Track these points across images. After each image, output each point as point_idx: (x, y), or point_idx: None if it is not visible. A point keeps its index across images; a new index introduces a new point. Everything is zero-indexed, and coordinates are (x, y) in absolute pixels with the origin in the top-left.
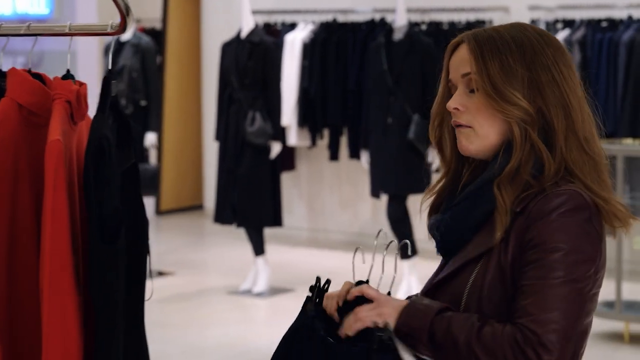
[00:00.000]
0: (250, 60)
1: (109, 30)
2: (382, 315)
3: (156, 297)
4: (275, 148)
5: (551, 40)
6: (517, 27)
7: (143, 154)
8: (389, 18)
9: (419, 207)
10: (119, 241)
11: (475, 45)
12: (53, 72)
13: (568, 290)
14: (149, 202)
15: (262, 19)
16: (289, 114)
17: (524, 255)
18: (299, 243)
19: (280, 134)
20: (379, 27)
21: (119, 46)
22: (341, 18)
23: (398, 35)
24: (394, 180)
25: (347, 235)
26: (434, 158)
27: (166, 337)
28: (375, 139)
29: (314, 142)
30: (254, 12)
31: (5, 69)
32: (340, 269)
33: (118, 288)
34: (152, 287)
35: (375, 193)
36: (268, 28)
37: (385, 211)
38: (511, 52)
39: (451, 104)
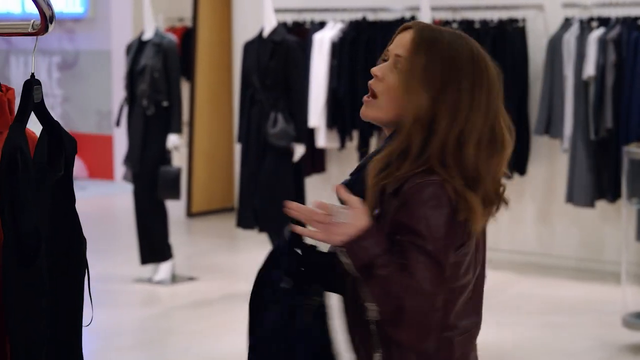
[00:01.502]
0: (272, 60)
1: (30, 30)
2: (330, 235)
3: (178, 303)
4: (299, 150)
5: (478, 61)
6: (459, 36)
7: (166, 156)
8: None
9: None
10: (38, 262)
11: (418, 37)
12: (88, 71)
13: (427, 259)
14: (177, 205)
15: (291, 18)
16: (317, 115)
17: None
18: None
19: (303, 136)
20: None
21: (141, 45)
22: (371, 16)
23: None
24: None
25: None
26: None
27: (181, 346)
28: None
29: (343, 144)
30: (284, 11)
31: (41, 68)
32: None
33: (38, 314)
34: (92, 312)
35: None
36: (297, 27)
37: None
38: (440, 57)
39: (375, 70)
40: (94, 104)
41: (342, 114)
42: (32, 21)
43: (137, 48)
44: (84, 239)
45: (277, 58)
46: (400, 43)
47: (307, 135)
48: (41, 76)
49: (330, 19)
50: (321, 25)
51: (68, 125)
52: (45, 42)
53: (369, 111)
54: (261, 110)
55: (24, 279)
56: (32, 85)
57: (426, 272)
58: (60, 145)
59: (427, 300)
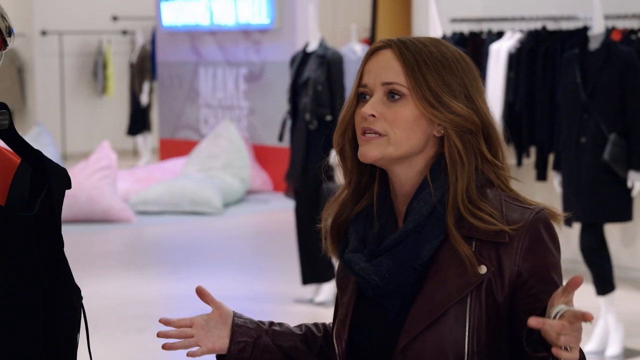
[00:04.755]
0: None
1: None
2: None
3: None
4: None
5: (463, 57)
6: (437, 42)
7: (329, 172)
8: (608, 25)
9: (618, 236)
10: None
11: (408, 55)
12: (273, 82)
13: None
14: None
15: (468, 28)
16: None
17: (528, 281)
18: None
19: None
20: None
21: (305, 57)
22: (552, 25)
23: (594, 45)
24: (588, 207)
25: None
26: (634, 182)
27: None
28: (567, 160)
29: (519, 161)
30: (461, 20)
31: (228, 79)
32: None
33: None
34: None
35: (567, 220)
36: (473, 37)
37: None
38: (443, 66)
39: (367, 110)
40: (279, 116)
41: (519, 128)
42: None
43: (300, 60)
44: (76, 289)
45: None
46: (383, 69)
47: None
48: (228, 87)
49: (509, 28)
50: (499, 35)
51: (253, 137)
52: (232, 54)
53: (377, 149)
54: None
55: None
56: None
57: None
58: (42, 179)
59: None
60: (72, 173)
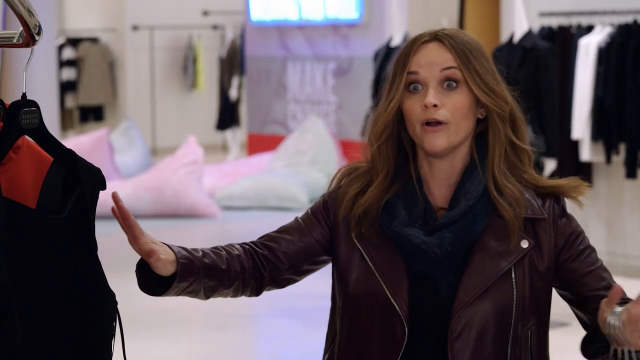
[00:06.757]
0: (522, 68)
1: (14, 42)
2: None
3: None
4: (549, 165)
5: None
6: (465, 33)
7: None
8: None
9: None
10: (8, 324)
11: (456, 45)
12: (361, 77)
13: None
14: None
15: (557, 21)
16: (581, 126)
17: (569, 251)
18: None
19: (554, 149)
20: None
21: (389, 52)
22: None
23: None
24: None
25: None
26: None
27: None
28: None
29: (608, 158)
30: (549, 14)
31: (316, 74)
32: None
33: None
34: None
35: None
36: (562, 31)
37: None
38: (482, 54)
39: (431, 100)
40: (367, 111)
41: (608, 125)
42: (19, 30)
43: (384, 55)
44: (110, 294)
45: (528, 65)
46: (435, 58)
47: (559, 149)
48: (316, 82)
49: (599, 22)
50: (588, 29)
51: (341, 132)
52: (320, 48)
53: (445, 139)
54: None
55: None
56: (19, 107)
57: None
58: (74, 180)
59: None
60: (158, 168)
